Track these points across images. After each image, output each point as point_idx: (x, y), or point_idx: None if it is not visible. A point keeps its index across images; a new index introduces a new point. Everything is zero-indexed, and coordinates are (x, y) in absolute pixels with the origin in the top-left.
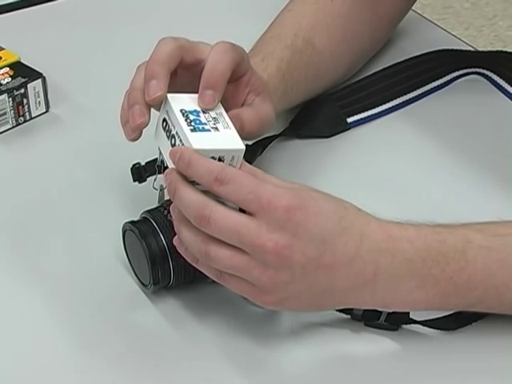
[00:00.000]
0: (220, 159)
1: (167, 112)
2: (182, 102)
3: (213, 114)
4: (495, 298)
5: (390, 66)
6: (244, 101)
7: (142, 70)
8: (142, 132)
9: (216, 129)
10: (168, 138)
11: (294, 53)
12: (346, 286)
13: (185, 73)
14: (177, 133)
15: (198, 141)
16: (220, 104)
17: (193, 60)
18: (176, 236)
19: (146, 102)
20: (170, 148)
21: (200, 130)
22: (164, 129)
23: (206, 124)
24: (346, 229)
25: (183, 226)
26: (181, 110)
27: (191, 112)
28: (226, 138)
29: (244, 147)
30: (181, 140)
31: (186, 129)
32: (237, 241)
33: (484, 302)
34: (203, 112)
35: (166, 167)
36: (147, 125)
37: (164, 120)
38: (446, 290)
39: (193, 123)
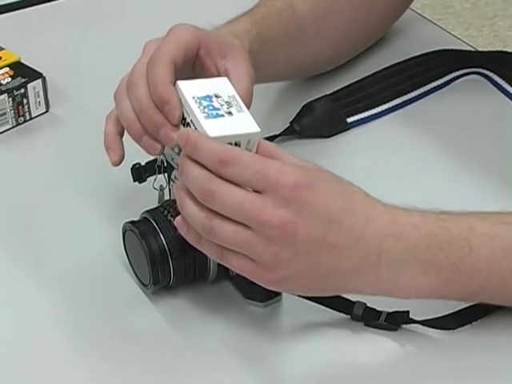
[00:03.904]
0: (236, 144)
1: (180, 100)
2: (193, 88)
3: (225, 97)
4: (498, 287)
5: (389, 66)
6: (217, 69)
7: (124, 100)
8: (124, 154)
9: (230, 113)
10: (184, 125)
11: (271, 11)
12: (350, 269)
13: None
14: (191, 121)
15: (213, 128)
16: (232, 87)
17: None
18: (177, 217)
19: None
20: None
21: (214, 117)
22: None
23: (219, 109)
24: (353, 211)
25: (188, 201)
26: (193, 97)
27: (204, 98)
28: (240, 122)
29: (259, 130)
30: (196, 128)
31: (200, 116)
32: (242, 216)
33: (487, 291)
34: (216, 96)
35: (166, 167)
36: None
37: None
38: (449, 277)
39: (206, 110)
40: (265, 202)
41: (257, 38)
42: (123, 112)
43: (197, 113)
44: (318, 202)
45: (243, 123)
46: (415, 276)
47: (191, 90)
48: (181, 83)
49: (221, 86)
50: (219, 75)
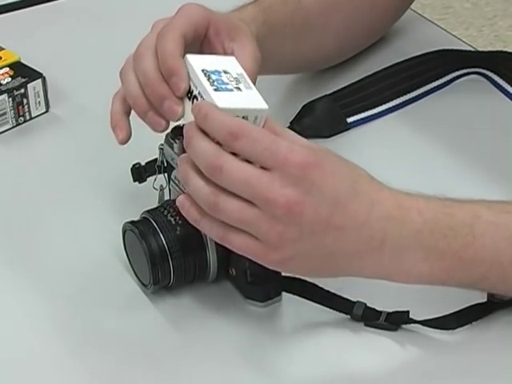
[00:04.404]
0: (244, 118)
1: (188, 73)
2: (202, 62)
3: (234, 74)
4: (500, 276)
5: (390, 66)
6: (224, 50)
7: (130, 75)
8: (131, 133)
9: (238, 89)
10: (190, 99)
11: (277, 0)
12: (353, 251)
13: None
14: (199, 93)
15: (222, 100)
16: (240, 65)
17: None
18: (180, 196)
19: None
20: None
21: (223, 90)
22: None
23: (228, 84)
24: (359, 193)
25: (193, 175)
26: (202, 70)
27: (213, 72)
28: (249, 97)
29: (267, 107)
30: (204, 100)
31: (210, 88)
32: (248, 193)
33: (488, 280)
34: (225, 72)
35: (166, 167)
36: (168, 125)
37: None
38: (451, 264)
39: (215, 83)
40: (272, 179)
41: (263, 25)
42: (129, 87)
43: (206, 85)
44: (325, 182)
45: (251, 99)
46: (417, 261)
47: (200, 63)
48: (190, 56)
49: (229, 64)
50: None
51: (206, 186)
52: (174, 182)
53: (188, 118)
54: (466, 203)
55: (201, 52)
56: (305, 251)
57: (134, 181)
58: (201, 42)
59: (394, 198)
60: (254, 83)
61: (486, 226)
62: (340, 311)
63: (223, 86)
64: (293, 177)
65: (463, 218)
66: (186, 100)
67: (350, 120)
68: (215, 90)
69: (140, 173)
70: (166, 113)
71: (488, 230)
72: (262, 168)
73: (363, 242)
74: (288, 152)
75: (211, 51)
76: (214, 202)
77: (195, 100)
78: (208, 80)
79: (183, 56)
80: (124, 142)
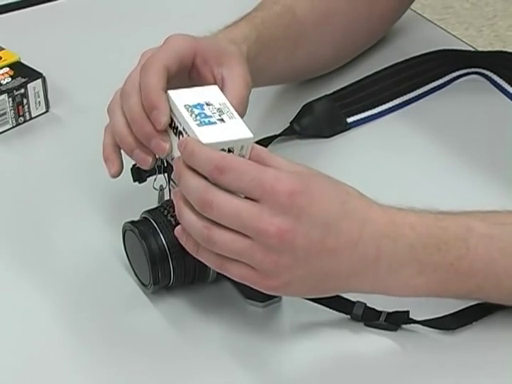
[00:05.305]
0: (230, 150)
1: (171, 109)
2: (184, 97)
3: (217, 105)
4: (495, 286)
5: (390, 66)
6: (214, 78)
7: (117, 114)
8: (122, 166)
9: (222, 120)
10: (176, 134)
11: (270, 15)
12: (349, 270)
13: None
14: (184, 129)
15: (206, 135)
16: (222, 94)
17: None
18: (177, 227)
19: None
20: None
21: (206, 124)
22: (170, 126)
23: (211, 117)
24: (349, 213)
25: (186, 210)
26: (185, 106)
27: (195, 106)
28: (233, 128)
29: (252, 135)
30: (189, 136)
31: (193, 124)
32: (239, 225)
33: (483, 290)
34: (207, 104)
35: (166, 167)
36: (155, 160)
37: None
38: (446, 276)
39: (198, 117)
40: (261, 210)
41: (255, 42)
42: (115, 126)
43: (189, 121)
44: (314, 207)
45: (236, 129)
46: (412, 275)
47: (182, 98)
48: (171, 92)
49: (211, 94)
50: (215, 83)
51: (198, 220)
52: (173, 182)
53: (175, 153)
54: (458, 216)
55: (189, 81)
56: (301, 275)
57: (134, 181)
58: (188, 71)
59: (385, 215)
60: (246, 106)
61: (480, 238)
62: (340, 311)
63: (206, 120)
64: (281, 205)
65: (456, 231)
66: (173, 135)
67: (350, 120)
68: (199, 124)
69: (140, 173)
70: (154, 149)
71: (481, 241)
72: (251, 199)
73: (358, 260)
74: (274, 181)
75: (200, 80)
76: (207, 235)
77: (181, 136)
78: (191, 115)
79: (167, 88)
80: (116, 175)
